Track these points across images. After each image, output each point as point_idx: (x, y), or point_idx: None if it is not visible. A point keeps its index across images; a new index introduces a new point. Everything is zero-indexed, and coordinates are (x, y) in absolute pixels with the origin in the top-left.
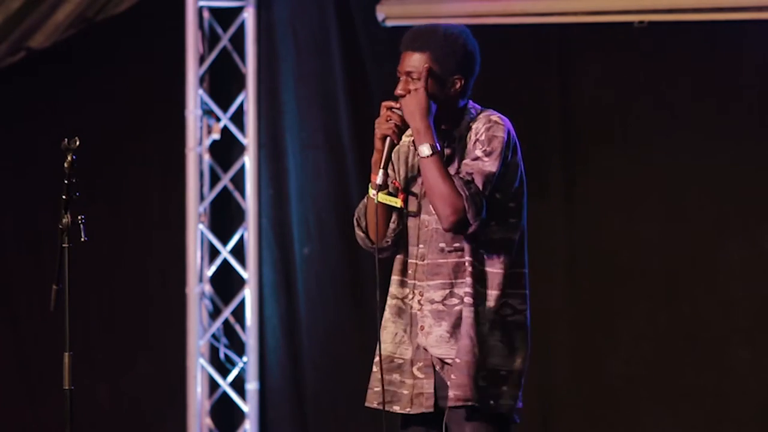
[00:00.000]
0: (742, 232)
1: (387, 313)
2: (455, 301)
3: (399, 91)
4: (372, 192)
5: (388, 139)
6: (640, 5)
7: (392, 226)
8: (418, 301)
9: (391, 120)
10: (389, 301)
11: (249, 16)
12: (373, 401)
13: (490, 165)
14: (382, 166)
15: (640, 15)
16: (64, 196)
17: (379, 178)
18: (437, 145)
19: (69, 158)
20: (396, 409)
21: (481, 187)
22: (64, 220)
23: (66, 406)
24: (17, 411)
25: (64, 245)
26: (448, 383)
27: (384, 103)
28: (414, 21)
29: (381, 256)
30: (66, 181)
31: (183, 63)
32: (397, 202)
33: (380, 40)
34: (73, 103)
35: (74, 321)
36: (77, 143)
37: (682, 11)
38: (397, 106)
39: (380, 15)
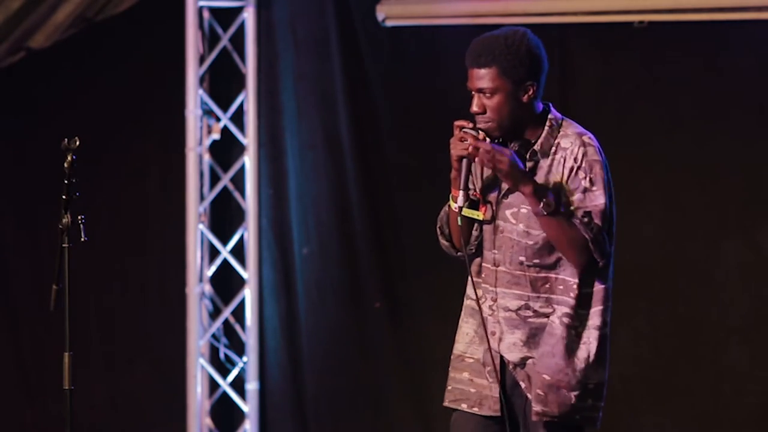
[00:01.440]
0: (740, 233)
1: (462, 314)
2: (529, 313)
3: (474, 108)
4: (454, 205)
5: (465, 159)
6: (640, 5)
7: (474, 233)
8: (490, 306)
9: (466, 140)
10: (465, 302)
11: (249, 16)
12: (446, 400)
13: (600, 195)
14: (461, 187)
15: (640, 15)
16: (64, 196)
17: (460, 200)
18: (550, 195)
19: (69, 158)
20: (464, 407)
21: (600, 223)
22: (64, 220)
23: (66, 406)
24: (17, 411)
25: (64, 245)
26: (530, 394)
27: (456, 123)
28: (414, 21)
29: (463, 258)
30: (66, 181)
31: (183, 63)
32: (479, 215)
33: (380, 40)
34: (73, 103)
35: (74, 321)
36: (77, 143)
37: (682, 11)
38: (470, 126)
39: (380, 15)
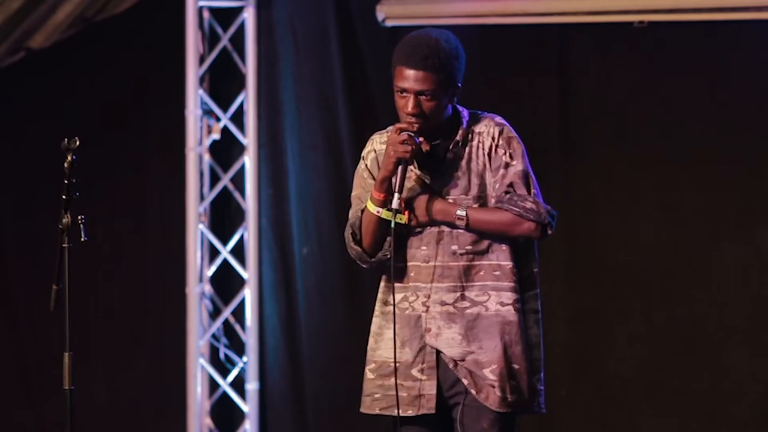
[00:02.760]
0: (740, 233)
1: (380, 320)
2: (466, 303)
3: (412, 109)
4: (374, 209)
5: (403, 163)
6: (640, 5)
7: (389, 239)
8: (423, 303)
9: (407, 143)
10: (382, 308)
11: (249, 16)
12: (375, 408)
13: (520, 164)
14: (397, 190)
15: (640, 15)
16: (64, 196)
17: (395, 203)
18: (462, 217)
19: (69, 158)
20: (395, 412)
21: (527, 191)
22: (64, 220)
23: (66, 406)
24: (17, 411)
25: (64, 245)
26: (474, 390)
27: (398, 126)
28: (414, 21)
29: (372, 267)
30: (66, 181)
31: (183, 63)
32: (403, 219)
33: (380, 40)
34: (73, 103)
35: (74, 321)
36: (77, 143)
37: (682, 11)
38: (412, 129)
39: (380, 15)
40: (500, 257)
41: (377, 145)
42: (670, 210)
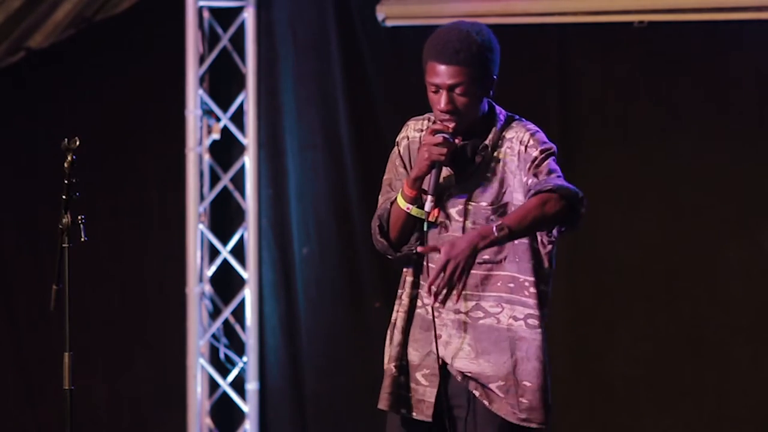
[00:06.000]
0: (742, 232)
1: (402, 314)
2: (480, 314)
3: (446, 106)
4: (405, 205)
5: (437, 165)
6: (640, 5)
7: (416, 234)
8: (437, 308)
9: (442, 145)
10: (403, 301)
11: (249, 16)
12: (398, 406)
13: (553, 162)
14: (431, 193)
15: (640, 15)
16: (64, 196)
17: (427, 206)
18: (500, 226)
19: (69, 158)
20: (403, 411)
21: (560, 178)
22: (64, 220)
23: (66, 406)
24: (17, 411)
25: (64, 245)
26: (487, 401)
27: (433, 127)
28: (414, 21)
29: (397, 259)
30: (66, 181)
31: (183, 63)
32: (433, 218)
33: (380, 40)
34: (73, 103)
35: (74, 321)
36: (77, 143)
37: (682, 11)
38: (449, 131)
39: (380, 15)
40: (517, 269)
41: (411, 132)
42: (671, 210)
